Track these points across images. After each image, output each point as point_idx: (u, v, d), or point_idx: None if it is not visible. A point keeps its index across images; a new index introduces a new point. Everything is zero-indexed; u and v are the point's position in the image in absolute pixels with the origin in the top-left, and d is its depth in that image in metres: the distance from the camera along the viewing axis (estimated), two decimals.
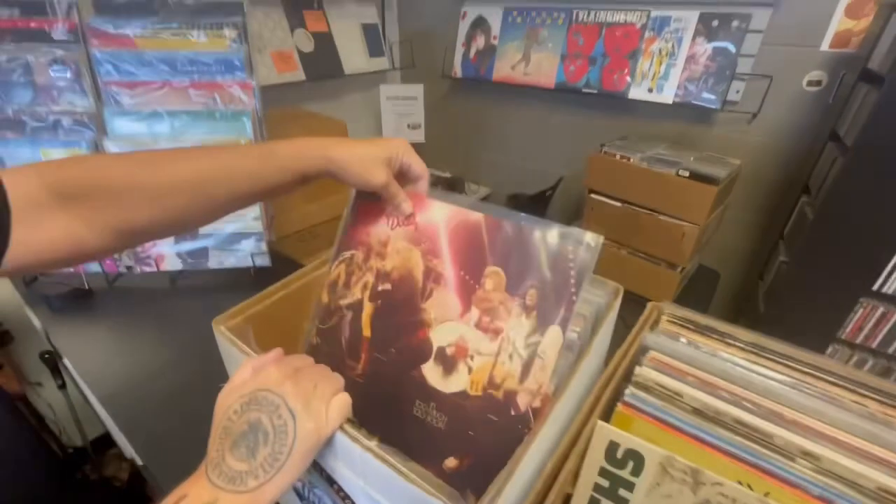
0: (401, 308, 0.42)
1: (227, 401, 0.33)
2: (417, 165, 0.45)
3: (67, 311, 0.93)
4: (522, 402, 0.36)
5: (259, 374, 0.34)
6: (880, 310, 0.85)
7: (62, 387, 1.17)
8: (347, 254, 0.47)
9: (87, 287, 0.95)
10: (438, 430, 0.39)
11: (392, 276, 0.43)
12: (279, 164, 0.40)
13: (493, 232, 0.40)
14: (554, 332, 0.36)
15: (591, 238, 0.37)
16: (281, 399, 0.32)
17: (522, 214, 0.40)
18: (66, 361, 0.84)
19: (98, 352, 0.83)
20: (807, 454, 0.31)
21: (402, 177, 0.45)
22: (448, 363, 0.39)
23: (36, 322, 0.95)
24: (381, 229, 0.45)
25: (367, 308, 0.44)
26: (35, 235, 0.33)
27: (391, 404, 0.41)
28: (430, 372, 0.40)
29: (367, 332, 0.44)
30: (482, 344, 0.38)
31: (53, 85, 0.85)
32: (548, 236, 0.38)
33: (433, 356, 0.40)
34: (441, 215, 0.43)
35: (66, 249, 0.35)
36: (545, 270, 0.38)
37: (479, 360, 0.38)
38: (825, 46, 1.04)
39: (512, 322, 0.38)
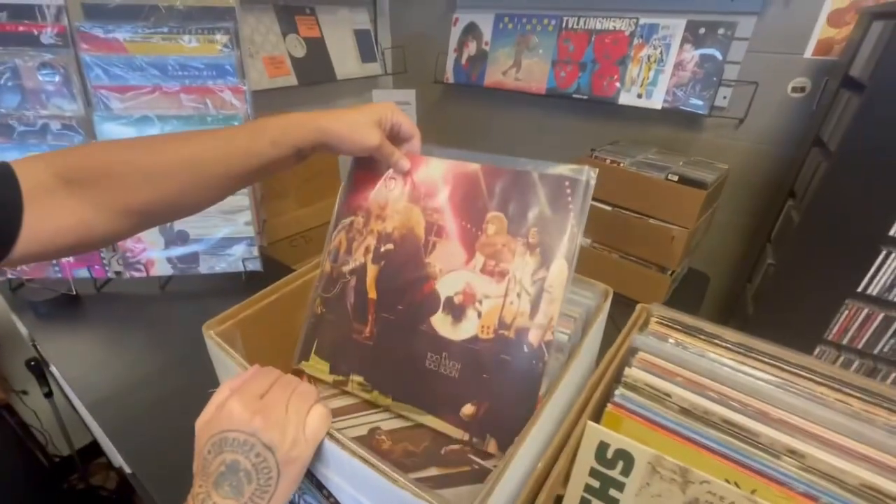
0: (405, 265, 0.43)
1: (201, 437, 0.32)
2: (407, 125, 0.45)
3: (54, 317, 0.91)
4: (534, 337, 0.37)
5: (222, 412, 0.32)
6: (865, 311, 0.87)
7: (48, 395, 1.14)
8: (347, 220, 0.47)
9: (74, 293, 0.94)
10: (452, 379, 0.39)
11: (394, 236, 0.44)
12: (270, 139, 0.40)
13: (490, 179, 0.41)
14: (559, 264, 0.37)
15: (587, 172, 0.38)
16: (254, 438, 0.31)
17: (522, 159, 0.41)
18: (53, 369, 0.82)
19: (86, 359, 0.82)
20: (792, 452, 0.31)
21: (395, 138, 0.46)
22: (457, 311, 0.40)
23: (22, 329, 0.94)
24: (379, 193, 0.46)
25: (371, 270, 0.44)
26: (45, 220, 0.35)
27: (403, 361, 0.41)
28: (440, 322, 0.40)
29: (372, 294, 0.44)
30: (489, 287, 0.39)
31: (42, 89, 0.84)
32: (544, 176, 0.40)
33: (441, 307, 0.40)
34: (438, 170, 0.44)
35: (74, 234, 0.36)
36: (545, 208, 0.39)
37: (488, 303, 0.39)
38: (808, 54, 1.07)
39: (517, 262, 0.39)
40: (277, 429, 0.31)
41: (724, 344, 0.41)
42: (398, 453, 0.41)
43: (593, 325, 0.44)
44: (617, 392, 0.37)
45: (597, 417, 0.36)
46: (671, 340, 0.41)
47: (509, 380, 0.37)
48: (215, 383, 0.36)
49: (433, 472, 0.39)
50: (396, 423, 0.43)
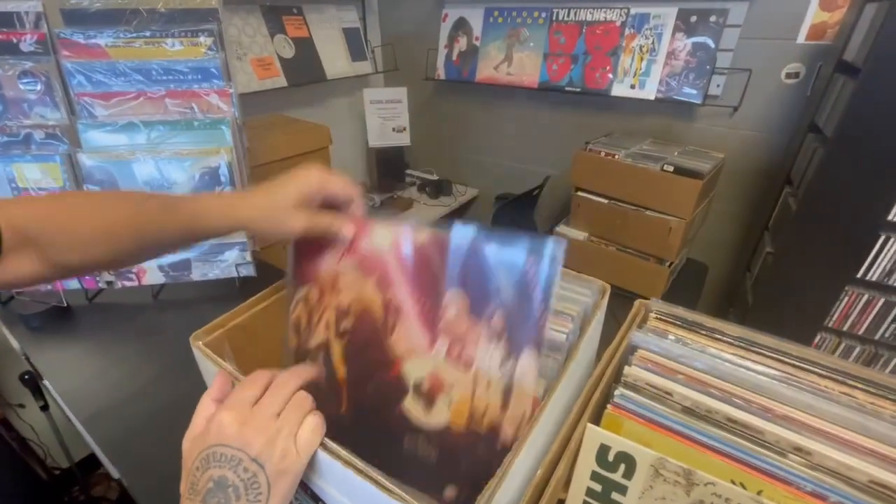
0: (368, 345, 0.39)
1: (189, 454, 0.31)
2: (341, 190, 0.42)
3: (46, 330, 0.90)
4: (509, 432, 0.34)
5: (211, 426, 0.31)
6: (865, 296, 0.86)
7: (44, 408, 1.13)
8: (301, 292, 0.44)
9: (65, 304, 0.92)
10: (432, 462, 0.37)
11: (352, 311, 0.40)
12: (180, 222, 0.39)
13: (443, 252, 0.37)
14: (528, 356, 0.34)
15: (554, 247, 0.33)
16: (242, 452, 0.30)
17: (475, 227, 0.36)
18: (46, 382, 0.81)
19: (79, 371, 0.81)
20: (798, 449, 0.30)
21: (332, 206, 0.43)
22: (426, 398, 0.37)
23: (14, 343, 0.92)
24: (327, 263, 0.42)
25: (336, 347, 0.41)
26: (5, 271, 0.37)
27: (381, 440, 0.39)
28: (412, 406, 0.37)
29: (341, 371, 0.41)
30: (456, 377, 0.36)
31: (24, 98, 0.82)
32: (505, 250, 0.35)
33: (410, 391, 0.37)
34: (385, 239, 0.39)
35: (30, 280, 0.39)
36: (507, 289, 0.34)
37: (456, 393, 0.36)
38: (801, 39, 1.05)
39: (482, 349, 0.35)
40: (266, 443, 0.30)
41: (724, 338, 0.40)
42: None
43: (591, 324, 0.43)
44: (617, 392, 0.36)
45: (597, 419, 0.36)
46: (671, 336, 0.40)
47: (487, 469, 0.34)
48: None
49: None
50: None
